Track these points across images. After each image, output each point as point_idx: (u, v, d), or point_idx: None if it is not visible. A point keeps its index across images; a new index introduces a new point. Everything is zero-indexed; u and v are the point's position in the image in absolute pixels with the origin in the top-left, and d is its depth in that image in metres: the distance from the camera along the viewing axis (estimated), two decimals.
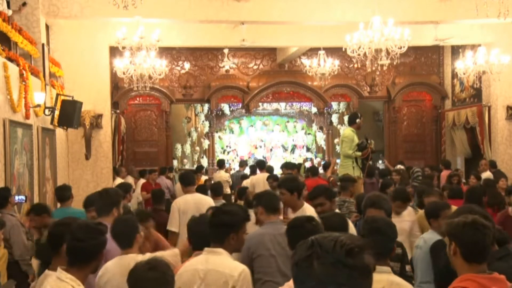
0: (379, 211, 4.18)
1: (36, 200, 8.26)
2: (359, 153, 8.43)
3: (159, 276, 2.77)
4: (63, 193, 6.60)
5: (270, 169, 10.68)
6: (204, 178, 12.60)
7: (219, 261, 3.24)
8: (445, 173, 11.02)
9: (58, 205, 6.85)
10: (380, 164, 14.55)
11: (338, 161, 12.65)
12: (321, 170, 12.14)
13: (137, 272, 2.82)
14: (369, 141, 8.64)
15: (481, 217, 3.02)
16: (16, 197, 6.84)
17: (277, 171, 11.76)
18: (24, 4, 9.05)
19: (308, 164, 14.25)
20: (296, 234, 3.11)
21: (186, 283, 3.24)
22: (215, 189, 7.58)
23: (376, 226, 3.27)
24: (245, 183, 10.34)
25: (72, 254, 3.07)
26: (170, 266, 2.89)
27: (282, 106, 16.31)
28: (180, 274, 3.29)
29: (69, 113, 9.22)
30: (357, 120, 8.78)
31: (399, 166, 12.01)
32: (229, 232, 3.31)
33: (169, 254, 3.97)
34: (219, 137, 16.58)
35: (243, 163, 13.22)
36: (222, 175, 12.18)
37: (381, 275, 3.02)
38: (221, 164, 13.10)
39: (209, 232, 3.38)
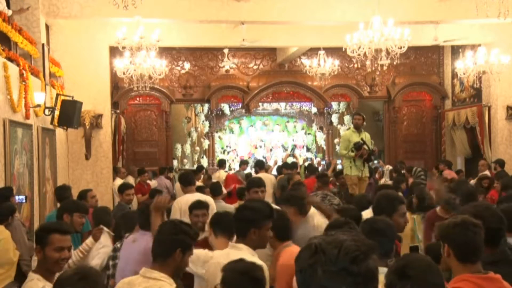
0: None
1: (36, 200, 8.25)
2: (352, 153, 8.44)
3: (91, 286, 2.60)
4: (63, 193, 6.62)
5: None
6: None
7: (238, 257, 3.25)
8: (448, 173, 10.91)
9: (58, 205, 6.86)
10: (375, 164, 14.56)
11: (338, 161, 12.69)
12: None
13: (65, 282, 2.61)
14: (366, 142, 8.62)
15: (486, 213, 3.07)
16: (16, 197, 6.84)
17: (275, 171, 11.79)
18: (27, 8, 9.06)
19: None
20: None
21: (212, 275, 3.40)
22: (214, 189, 7.58)
23: (376, 227, 3.27)
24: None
25: None
26: (100, 274, 2.75)
27: (282, 106, 16.32)
28: (209, 265, 3.46)
29: (69, 113, 9.23)
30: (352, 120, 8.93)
31: (388, 167, 12.03)
32: (250, 227, 3.39)
33: None
34: (219, 137, 16.58)
35: (243, 163, 13.22)
36: (221, 175, 12.20)
37: (379, 276, 3.02)
38: (221, 164, 13.12)
39: (234, 226, 3.52)
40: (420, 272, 2.31)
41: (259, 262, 3.27)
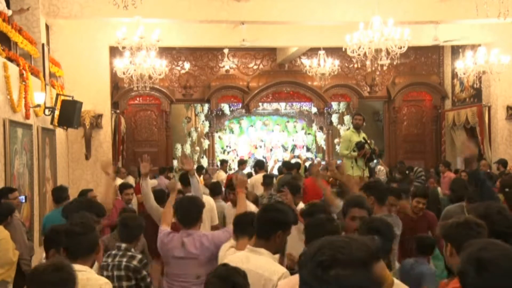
0: (362, 211, 4.12)
1: (36, 200, 8.26)
2: (354, 153, 8.40)
3: (66, 277, 2.58)
4: (60, 194, 6.61)
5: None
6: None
7: (260, 262, 3.19)
8: (449, 175, 10.83)
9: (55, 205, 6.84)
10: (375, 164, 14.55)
11: (338, 162, 12.70)
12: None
13: (40, 274, 2.59)
14: (367, 141, 8.61)
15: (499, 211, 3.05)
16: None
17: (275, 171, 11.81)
18: (27, 8, 9.06)
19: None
20: (315, 233, 3.15)
21: None
22: (213, 189, 7.59)
23: (374, 226, 3.28)
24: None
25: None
26: (72, 267, 2.73)
27: (282, 106, 16.31)
28: None
29: (69, 113, 9.23)
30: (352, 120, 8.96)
31: (380, 167, 12.03)
32: (277, 230, 3.27)
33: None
34: (219, 137, 16.57)
35: (241, 163, 13.20)
36: (219, 175, 12.30)
37: None
38: (220, 164, 13.20)
39: (256, 227, 3.36)
40: (502, 269, 1.95)
41: (281, 269, 3.20)
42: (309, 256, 1.49)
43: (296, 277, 3.03)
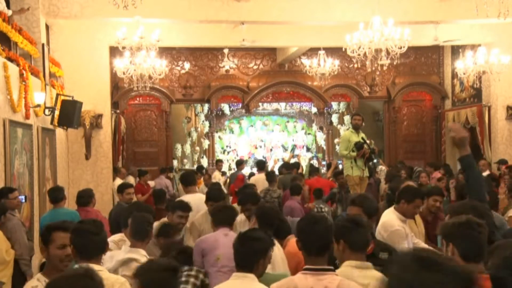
0: (358, 209, 4.15)
1: (36, 200, 8.25)
2: (353, 153, 8.42)
3: (96, 285, 2.45)
4: (56, 195, 6.64)
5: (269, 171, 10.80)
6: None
7: (252, 285, 3.23)
8: (436, 175, 10.83)
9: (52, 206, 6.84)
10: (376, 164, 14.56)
11: (339, 162, 12.70)
12: (324, 171, 12.26)
13: (67, 278, 2.45)
14: (366, 141, 8.61)
15: (479, 214, 3.03)
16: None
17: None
18: (27, 8, 9.06)
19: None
20: (309, 229, 3.21)
21: None
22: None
23: (355, 219, 3.40)
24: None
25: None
26: (100, 275, 2.59)
27: (282, 106, 16.31)
28: None
29: (69, 113, 9.23)
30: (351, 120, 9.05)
31: (381, 167, 12.03)
32: (259, 258, 3.29)
33: None
34: (219, 137, 16.57)
35: (239, 163, 13.19)
36: (216, 176, 12.35)
37: (368, 271, 3.18)
38: (215, 163, 13.32)
39: (236, 258, 3.34)
40: None
41: None
42: (403, 254, 1.53)
43: (287, 280, 3.09)
